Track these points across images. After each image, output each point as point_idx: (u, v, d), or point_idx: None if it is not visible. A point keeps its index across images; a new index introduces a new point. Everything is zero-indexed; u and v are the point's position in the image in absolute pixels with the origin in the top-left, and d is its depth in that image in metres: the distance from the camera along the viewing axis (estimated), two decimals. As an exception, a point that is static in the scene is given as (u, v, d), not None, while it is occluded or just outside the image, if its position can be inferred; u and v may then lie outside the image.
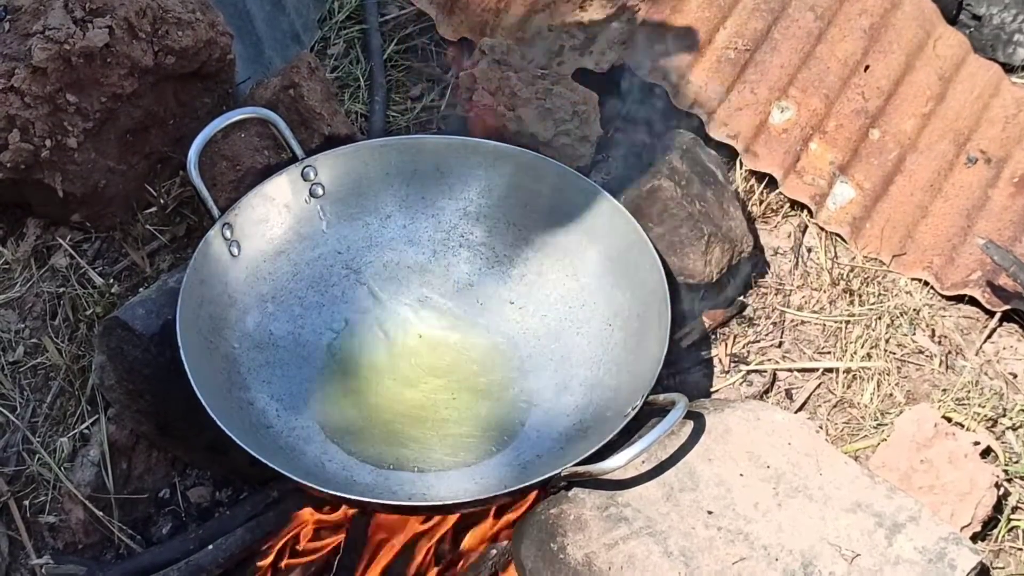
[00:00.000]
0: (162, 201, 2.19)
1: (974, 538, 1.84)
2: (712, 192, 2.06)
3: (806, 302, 2.20)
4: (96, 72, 2.00)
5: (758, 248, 2.22)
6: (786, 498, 1.64)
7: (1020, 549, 1.89)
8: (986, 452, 1.94)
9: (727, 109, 2.28)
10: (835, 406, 2.07)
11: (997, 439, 2.00)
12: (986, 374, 2.11)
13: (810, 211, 2.27)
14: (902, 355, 2.13)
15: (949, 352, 2.14)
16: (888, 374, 2.10)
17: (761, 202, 2.30)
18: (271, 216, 2.00)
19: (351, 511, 1.82)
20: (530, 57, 2.36)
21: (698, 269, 2.03)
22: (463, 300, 2.07)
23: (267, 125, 2.05)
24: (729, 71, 2.30)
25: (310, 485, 1.64)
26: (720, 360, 2.11)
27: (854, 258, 2.25)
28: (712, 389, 2.08)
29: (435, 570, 1.79)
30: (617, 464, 1.60)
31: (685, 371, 2.09)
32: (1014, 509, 1.92)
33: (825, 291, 2.21)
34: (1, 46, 1.98)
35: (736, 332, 2.16)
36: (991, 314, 2.17)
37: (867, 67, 2.37)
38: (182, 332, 1.73)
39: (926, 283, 2.22)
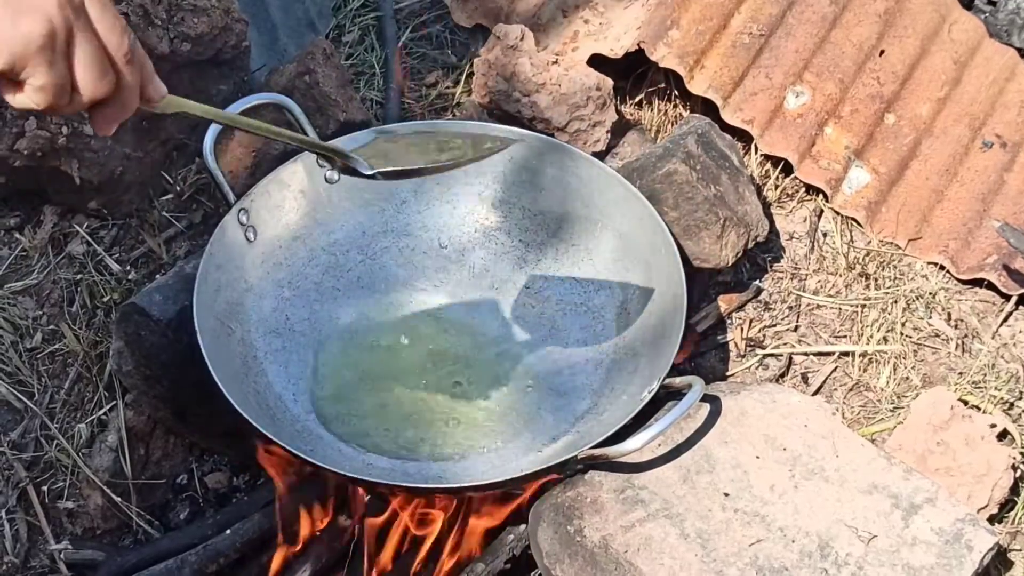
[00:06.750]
0: (178, 188, 2.20)
1: (991, 520, 1.84)
2: (727, 176, 2.06)
3: (822, 286, 2.20)
4: (112, 59, 2.00)
5: (774, 232, 2.22)
6: (802, 480, 1.64)
7: (1037, 532, 1.89)
8: (1003, 435, 1.94)
9: (742, 94, 2.28)
10: (851, 389, 2.07)
11: (1014, 422, 1.99)
12: (1002, 357, 2.10)
13: (825, 195, 2.27)
14: (918, 339, 2.13)
15: (965, 335, 2.14)
16: (904, 357, 2.09)
17: (776, 187, 2.29)
18: (287, 202, 1.99)
19: (366, 496, 1.83)
20: (544, 43, 2.36)
21: (713, 253, 2.03)
22: (478, 285, 2.06)
23: (282, 111, 2.05)
24: (744, 56, 2.30)
25: (328, 468, 1.65)
26: (736, 344, 2.11)
27: (870, 242, 2.25)
28: (728, 373, 2.08)
29: (450, 555, 1.80)
30: (633, 447, 1.60)
31: (701, 355, 2.09)
32: (1031, 491, 1.92)
33: (841, 275, 2.20)
34: (17, 34, 1.99)
35: (752, 316, 2.16)
36: (1007, 297, 2.17)
37: (882, 52, 2.37)
38: (199, 318, 1.72)
39: (942, 267, 2.22)
